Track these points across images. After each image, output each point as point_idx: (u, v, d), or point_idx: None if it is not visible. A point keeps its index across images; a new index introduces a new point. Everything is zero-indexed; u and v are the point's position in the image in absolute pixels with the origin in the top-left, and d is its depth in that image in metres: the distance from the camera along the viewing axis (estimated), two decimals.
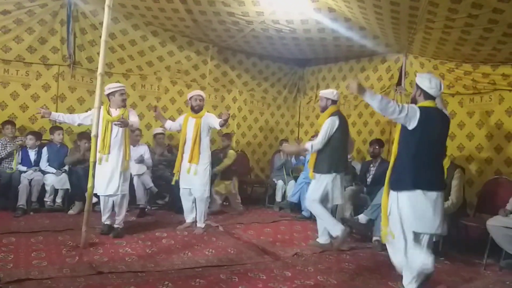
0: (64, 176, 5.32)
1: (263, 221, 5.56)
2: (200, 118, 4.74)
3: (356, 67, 6.87)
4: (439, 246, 4.28)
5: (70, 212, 5.25)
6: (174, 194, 5.92)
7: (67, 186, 5.31)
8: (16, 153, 5.26)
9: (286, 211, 6.33)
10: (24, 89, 5.63)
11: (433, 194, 3.01)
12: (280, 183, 6.60)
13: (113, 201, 4.38)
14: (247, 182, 6.86)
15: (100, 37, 3.91)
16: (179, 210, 5.74)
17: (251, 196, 6.79)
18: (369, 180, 5.33)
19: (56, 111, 5.71)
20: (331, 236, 4.33)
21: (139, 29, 6.28)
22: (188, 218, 4.95)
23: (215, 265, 3.60)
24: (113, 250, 3.86)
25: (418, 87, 3.15)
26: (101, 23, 4.25)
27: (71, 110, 5.89)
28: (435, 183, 3.08)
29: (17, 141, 5.27)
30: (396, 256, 3.18)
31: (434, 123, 3.07)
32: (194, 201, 4.85)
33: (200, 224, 4.78)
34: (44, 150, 5.39)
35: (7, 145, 5.20)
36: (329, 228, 4.29)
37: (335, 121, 4.26)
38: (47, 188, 5.23)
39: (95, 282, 3.00)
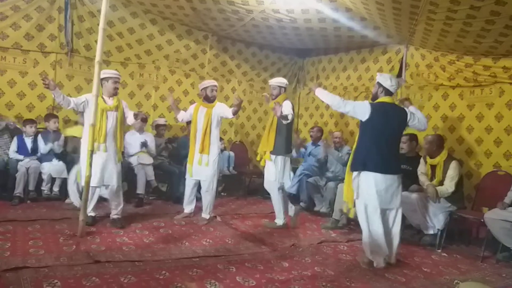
0: (61, 165, 5.30)
1: (261, 212, 5.57)
2: (211, 108, 4.69)
3: (357, 58, 6.82)
4: (437, 239, 4.29)
5: (67, 201, 5.23)
6: (173, 184, 5.93)
7: (65, 175, 5.29)
8: (8, 137, 5.25)
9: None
10: (21, 77, 5.58)
11: (388, 176, 3.51)
12: None
13: (107, 192, 4.31)
14: (245, 173, 6.85)
15: (98, 24, 3.85)
16: (177, 200, 5.76)
17: (249, 187, 6.78)
18: None
19: (53, 100, 5.74)
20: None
21: (137, 17, 6.21)
22: (187, 209, 4.94)
23: (212, 255, 3.61)
24: (111, 239, 3.86)
25: (380, 85, 3.65)
26: (99, 11, 4.20)
27: None
28: (389, 167, 3.55)
29: (3, 124, 5.19)
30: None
31: (387, 115, 3.57)
32: (196, 192, 4.88)
33: (205, 215, 4.75)
34: (40, 138, 5.35)
35: None
36: (276, 212, 4.73)
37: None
38: (44, 176, 5.20)
39: (92, 270, 3.00)
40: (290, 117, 4.41)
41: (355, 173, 3.63)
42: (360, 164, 3.58)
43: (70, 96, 5.76)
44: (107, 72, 4.30)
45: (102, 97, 4.25)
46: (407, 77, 5.89)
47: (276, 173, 4.61)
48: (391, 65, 6.18)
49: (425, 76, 5.64)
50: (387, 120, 3.57)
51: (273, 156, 4.61)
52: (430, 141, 4.58)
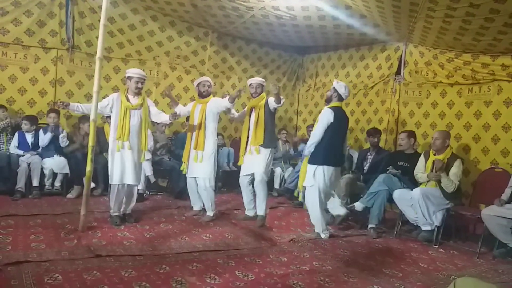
0: (63, 160, 5.33)
1: None
2: (205, 103, 4.68)
3: (356, 56, 6.85)
4: (434, 235, 4.33)
5: (69, 196, 5.28)
6: (173, 180, 5.97)
7: (66, 170, 5.32)
8: (6, 135, 5.28)
9: (284, 197, 6.38)
10: (22, 73, 5.60)
11: (337, 169, 4.31)
12: (278, 170, 6.65)
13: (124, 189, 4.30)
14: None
15: (99, 21, 3.88)
16: (178, 195, 5.81)
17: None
18: (366, 168, 5.37)
19: (55, 95, 5.78)
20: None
21: (138, 13, 6.23)
22: (195, 206, 4.95)
23: (212, 249, 3.64)
24: (111, 234, 3.89)
25: (335, 90, 4.19)
26: (100, 7, 4.22)
27: (69, 95, 5.90)
28: (338, 161, 4.36)
29: (4, 122, 5.23)
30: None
31: (341, 118, 4.23)
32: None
33: (209, 213, 4.73)
34: (41, 132, 5.38)
35: None
36: (259, 203, 4.72)
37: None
38: (46, 172, 5.24)
39: (93, 265, 3.03)
40: (282, 101, 4.50)
41: (313, 165, 4.15)
42: (321, 159, 4.14)
43: (71, 92, 5.88)
44: (130, 71, 4.28)
45: (126, 95, 4.26)
46: (406, 75, 5.93)
47: (265, 166, 4.62)
48: (390, 63, 6.21)
49: (424, 74, 5.67)
50: (340, 123, 4.21)
51: (263, 149, 4.62)
52: (444, 137, 4.57)
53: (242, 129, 4.94)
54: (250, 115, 4.76)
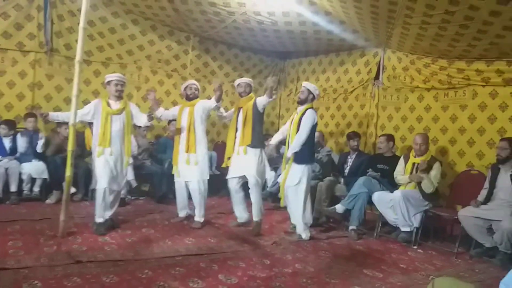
0: (42, 165, 5.24)
1: None
2: (193, 106, 4.64)
3: (336, 61, 6.95)
4: (413, 236, 4.42)
5: (48, 201, 5.18)
6: (155, 184, 5.93)
7: (45, 175, 5.23)
8: None
9: (267, 201, 6.39)
10: None
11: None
12: None
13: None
14: (226, 173, 6.87)
15: (79, 24, 3.84)
16: (160, 199, 5.77)
17: None
18: (346, 171, 5.45)
19: (33, 99, 5.68)
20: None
21: (119, 17, 6.19)
22: (181, 213, 4.85)
23: (195, 253, 3.63)
24: (92, 239, 3.84)
25: (310, 92, 4.36)
26: (79, 10, 4.18)
27: (48, 99, 5.80)
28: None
29: None
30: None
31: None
32: (189, 195, 4.74)
33: (199, 219, 4.63)
34: (18, 137, 5.28)
35: None
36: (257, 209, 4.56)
37: None
38: (24, 177, 5.13)
39: (73, 271, 2.99)
40: (274, 96, 4.53)
41: (301, 165, 4.25)
42: (307, 159, 4.30)
43: (50, 96, 5.79)
44: (108, 76, 4.26)
45: (107, 101, 4.21)
46: (384, 80, 6.04)
47: (257, 167, 4.50)
48: (368, 68, 6.33)
49: (402, 79, 5.80)
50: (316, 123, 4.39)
51: (251, 150, 4.51)
52: (427, 141, 4.70)
53: (228, 129, 4.87)
54: (237, 115, 4.69)
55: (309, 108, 4.33)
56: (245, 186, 4.70)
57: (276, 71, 8.04)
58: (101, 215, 4.12)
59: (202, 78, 7.17)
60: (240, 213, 4.78)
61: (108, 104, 4.20)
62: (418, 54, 5.45)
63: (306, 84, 4.44)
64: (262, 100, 4.54)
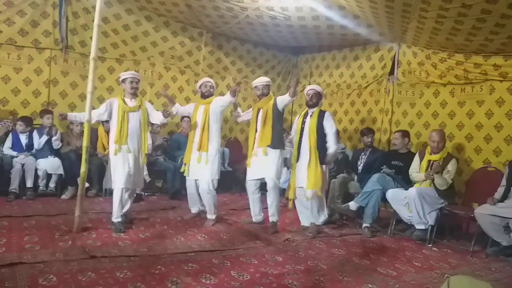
0: (57, 161, 5.31)
1: None
2: (208, 104, 4.57)
3: (350, 56, 6.88)
4: (428, 234, 4.37)
5: (63, 197, 5.26)
6: (168, 180, 5.97)
7: (61, 171, 5.30)
8: (4, 135, 5.25)
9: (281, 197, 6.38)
10: (15, 73, 5.57)
11: None
12: None
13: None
14: (240, 169, 6.88)
15: (93, 21, 3.88)
16: (173, 195, 5.81)
17: (244, 183, 6.80)
18: (360, 168, 5.39)
19: (48, 96, 5.75)
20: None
21: (132, 13, 6.22)
22: (193, 209, 4.85)
23: (207, 250, 3.65)
24: (106, 234, 3.89)
25: (319, 93, 4.53)
26: (94, 7, 4.20)
27: (63, 95, 5.88)
28: None
29: (1, 125, 5.22)
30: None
31: None
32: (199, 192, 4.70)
33: (211, 216, 4.59)
34: (35, 134, 5.36)
35: None
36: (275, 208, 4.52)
37: None
38: (39, 173, 5.22)
39: (88, 266, 3.03)
40: (296, 96, 4.45)
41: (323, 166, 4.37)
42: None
43: (66, 93, 5.86)
44: (123, 74, 4.27)
45: (123, 99, 4.22)
46: (399, 75, 5.96)
47: (276, 170, 4.41)
48: (383, 63, 6.25)
49: (417, 74, 5.71)
50: None
51: (271, 151, 4.42)
52: (443, 137, 4.62)
53: (248, 131, 4.79)
54: (257, 117, 4.57)
55: (321, 110, 4.49)
56: (262, 186, 4.65)
57: (288, 66, 8.00)
58: (119, 214, 4.11)
59: (215, 74, 7.18)
60: (255, 214, 4.71)
61: (124, 102, 4.21)
62: (434, 48, 5.35)
63: (314, 87, 4.53)
64: (283, 100, 4.44)
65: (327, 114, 4.44)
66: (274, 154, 4.42)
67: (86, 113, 3.83)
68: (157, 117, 4.39)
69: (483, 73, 4.90)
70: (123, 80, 4.24)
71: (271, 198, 4.45)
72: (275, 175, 4.40)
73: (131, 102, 4.24)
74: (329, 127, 4.38)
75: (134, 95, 4.26)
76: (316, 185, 4.30)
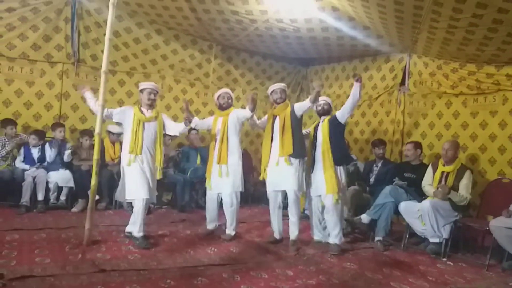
0: (68, 173, 5.35)
1: (265, 220, 5.53)
2: (227, 115, 4.47)
3: (360, 67, 6.86)
4: (442, 247, 4.28)
5: (73, 209, 5.27)
6: (177, 193, 5.95)
7: (71, 184, 5.33)
8: (16, 150, 5.31)
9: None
10: (28, 87, 5.65)
11: None
12: None
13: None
14: (249, 181, 6.85)
15: (104, 35, 3.90)
16: (182, 208, 5.78)
17: (254, 194, 6.78)
18: (372, 180, 5.33)
19: (60, 109, 5.82)
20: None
21: (143, 27, 6.29)
22: (210, 225, 4.67)
23: (217, 263, 3.61)
24: (116, 248, 3.87)
25: (330, 104, 4.58)
26: (105, 21, 4.25)
27: (75, 108, 5.94)
28: None
29: (15, 140, 5.28)
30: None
31: None
32: (219, 207, 4.58)
33: (230, 231, 4.46)
34: (47, 147, 5.41)
35: (6, 143, 5.20)
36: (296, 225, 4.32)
37: None
38: (51, 185, 5.25)
39: (98, 279, 3.01)
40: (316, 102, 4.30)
41: (339, 167, 4.31)
42: (348, 158, 4.54)
43: (77, 106, 5.92)
44: (143, 84, 4.27)
45: (140, 108, 4.21)
46: (410, 86, 5.92)
47: (298, 181, 4.22)
48: (394, 73, 6.21)
49: (428, 84, 5.66)
50: None
51: (293, 160, 4.23)
52: (455, 147, 4.55)
53: (263, 139, 4.62)
54: (272, 124, 4.41)
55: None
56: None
57: (298, 78, 8.00)
58: (143, 228, 4.00)
59: (225, 86, 7.15)
60: (275, 229, 4.51)
61: (141, 111, 4.19)
62: (445, 59, 5.31)
63: (325, 98, 4.57)
64: (302, 106, 4.26)
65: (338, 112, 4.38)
66: (296, 163, 4.24)
67: (97, 125, 3.84)
68: (175, 128, 4.33)
69: (496, 83, 4.84)
70: (142, 90, 4.23)
71: (292, 214, 4.25)
72: (297, 187, 4.21)
73: (148, 112, 4.21)
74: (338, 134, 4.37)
75: (151, 106, 4.24)
76: (334, 189, 4.18)
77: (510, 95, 4.81)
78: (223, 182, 4.41)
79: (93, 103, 4.12)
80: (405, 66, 6.00)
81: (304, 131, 4.55)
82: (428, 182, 4.59)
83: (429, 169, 4.68)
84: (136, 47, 6.32)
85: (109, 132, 5.72)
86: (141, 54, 6.38)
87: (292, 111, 4.32)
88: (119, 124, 4.64)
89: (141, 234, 4.00)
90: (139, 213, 3.99)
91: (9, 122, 5.28)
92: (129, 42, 6.24)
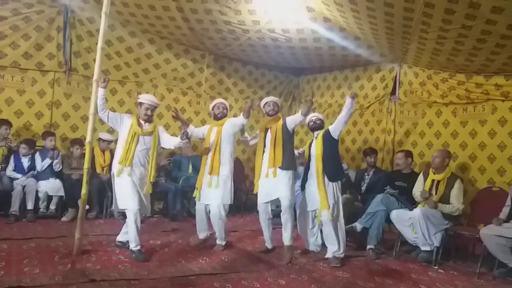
0: (58, 182, 5.30)
1: (257, 229, 5.50)
2: (221, 125, 4.46)
3: (351, 76, 6.91)
4: (433, 255, 4.29)
5: (63, 219, 5.21)
6: (169, 202, 5.92)
7: (61, 193, 5.27)
8: (2, 157, 5.22)
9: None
10: (19, 95, 5.61)
11: None
12: None
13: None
14: (241, 189, 6.84)
15: (97, 44, 3.91)
16: (173, 217, 5.75)
17: (246, 203, 6.77)
18: (363, 188, 5.35)
19: (51, 118, 5.78)
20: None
21: (135, 36, 6.30)
22: (201, 235, 4.62)
23: (208, 273, 3.58)
24: (106, 257, 3.83)
25: (323, 122, 4.53)
26: (97, 30, 4.26)
27: (66, 117, 5.90)
28: None
29: (4, 142, 5.21)
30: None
31: None
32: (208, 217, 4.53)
33: (221, 242, 4.45)
34: (37, 156, 5.36)
35: None
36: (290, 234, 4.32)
37: None
38: (40, 195, 5.19)
39: None
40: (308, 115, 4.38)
41: (333, 183, 4.27)
42: (342, 173, 4.49)
43: (68, 115, 5.89)
44: (142, 97, 4.15)
45: (138, 120, 4.11)
46: (401, 95, 5.98)
47: (291, 189, 4.25)
48: (385, 83, 6.27)
49: (419, 94, 5.73)
50: None
51: (283, 172, 4.27)
52: (443, 156, 4.58)
53: (256, 151, 4.60)
54: (264, 137, 4.45)
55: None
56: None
57: (290, 87, 8.04)
58: (138, 240, 3.88)
59: (217, 95, 7.21)
60: (267, 239, 4.54)
61: (138, 124, 4.09)
62: (435, 68, 5.38)
63: (316, 114, 4.58)
64: (294, 119, 4.31)
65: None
66: (285, 174, 4.27)
67: (88, 134, 3.81)
68: (170, 141, 4.22)
69: (485, 93, 4.91)
70: (140, 104, 4.12)
71: (286, 220, 4.24)
72: (290, 194, 4.23)
73: (145, 126, 4.12)
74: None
75: (147, 121, 4.14)
76: (328, 205, 4.17)
77: (499, 104, 4.88)
78: (212, 193, 4.37)
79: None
80: (396, 76, 6.06)
81: (299, 151, 4.60)
82: (419, 190, 4.62)
83: (420, 177, 4.72)
84: (128, 56, 6.31)
85: (100, 139, 5.69)
86: (133, 63, 6.38)
87: (284, 125, 4.36)
88: (110, 132, 4.61)
89: (138, 248, 3.88)
90: (132, 226, 3.88)
91: (4, 122, 5.24)
92: (121, 51, 6.24)
